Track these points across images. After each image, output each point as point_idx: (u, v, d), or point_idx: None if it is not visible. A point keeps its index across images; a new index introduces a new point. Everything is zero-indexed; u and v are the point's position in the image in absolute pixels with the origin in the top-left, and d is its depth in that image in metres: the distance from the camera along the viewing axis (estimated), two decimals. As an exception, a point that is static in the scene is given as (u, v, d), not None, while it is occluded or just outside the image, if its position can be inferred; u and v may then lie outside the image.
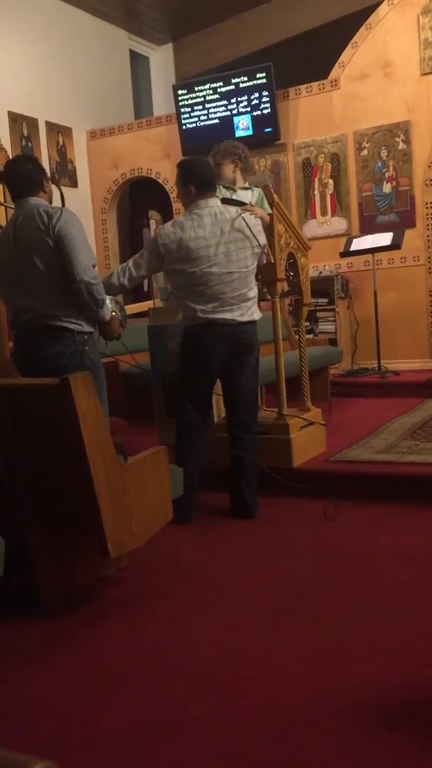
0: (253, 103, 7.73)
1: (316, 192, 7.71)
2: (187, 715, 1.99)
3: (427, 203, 7.22)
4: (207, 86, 7.96)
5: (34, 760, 0.88)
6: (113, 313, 3.34)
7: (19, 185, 3.25)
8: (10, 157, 7.19)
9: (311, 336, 7.12)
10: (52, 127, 8.17)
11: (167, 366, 4.25)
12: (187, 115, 8.06)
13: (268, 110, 7.68)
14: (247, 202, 3.81)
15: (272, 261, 3.88)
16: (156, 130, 8.49)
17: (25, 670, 2.32)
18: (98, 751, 1.87)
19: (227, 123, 7.88)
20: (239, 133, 7.81)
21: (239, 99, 7.79)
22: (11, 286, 3.22)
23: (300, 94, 7.72)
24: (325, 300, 7.38)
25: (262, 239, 3.61)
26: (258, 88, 7.68)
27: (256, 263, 3.61)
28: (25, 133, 7.80)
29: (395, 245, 6.74)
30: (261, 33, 9.13)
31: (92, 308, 3.16)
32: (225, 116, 7.90)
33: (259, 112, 7.74)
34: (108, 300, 3.30)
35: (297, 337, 4.61)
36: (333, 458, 4.21)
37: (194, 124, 8.04)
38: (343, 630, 2.42)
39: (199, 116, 8.01)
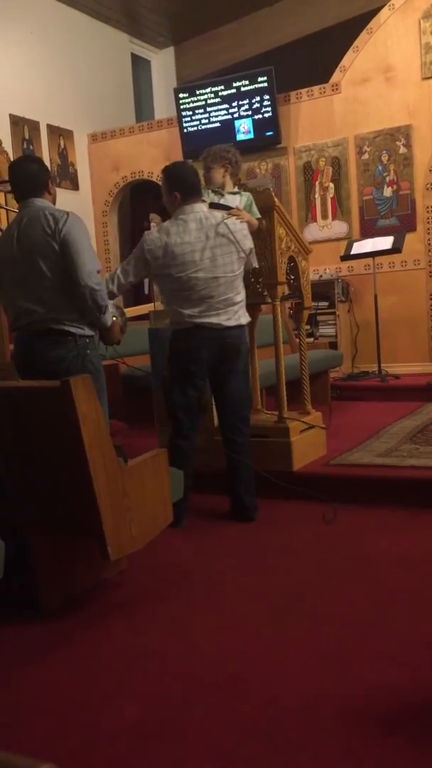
0: (255, 106, 7.75)
1: (316, 195, 7.72)
2: (187, 716, 2.00)
3: (427, 207, 7.23)
4: (208, 90, 7.97)
5: (35, 763, 0.87)
6: (114, 318, 3.34)
7: (25, 186, 3.22)
8: (11, 159, 7.19)
9: (312, 339, 7.14)
10: (53, 129, 8.19)
11: (167, 369, 4.25)
12: (189, 119, 8.08)
13: (270, 114, 7.69)
14: (235, 207, 3.81)
15: (257, 267, 3.85)
16: (157, 134, 8.50)
17: (25, 671, 2.32)
18: (98, 753, 1.87)
19: (228, 126, 7.89)
20: (240, 137, 7.83)
21: (240, 102, 7.81)
22: (13, 287, 3.19)
23: (301, 97, 7.74)
24: (326, 303, 7.39)
25: (248, 244, 3.61)
26: (259, 92, 7.70)
27: (242, 268, 3.61)
28: (27, 136, 7.81)
29: (396, 249, 6.75)
30: (262, 37, 9.15)
31: (95, 314, 3.16)
32: (226, 120, 7.91)
33: (260, 116, 7.75)
34: (109, 305, 3.30)
35: (297, 340, 4.61)
36: (333, 462, 4.21)
37: (195, 128, 8.06)
38: (343, 632, 2.42)
39: (200, 120, 8.03)
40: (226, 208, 3.75)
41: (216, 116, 7.96)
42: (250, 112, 7.79)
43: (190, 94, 8.07)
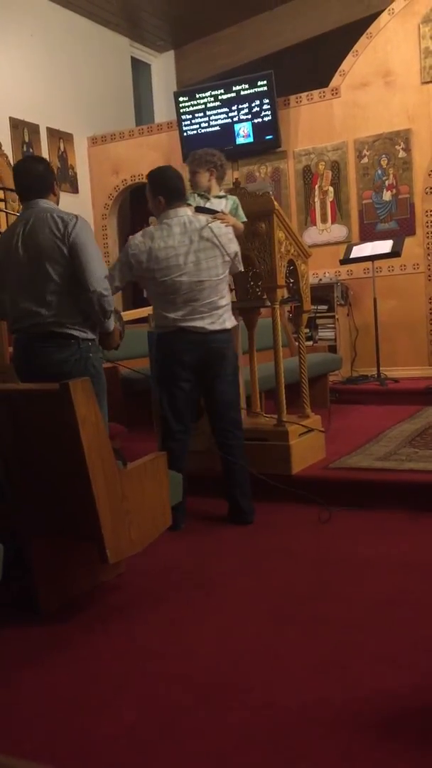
0: (254, 110, 7.76)
1: (316, 199, 7.74)
2: (186, 720, 1.99)
3: (427, 211, 7.24)
4: (208, 93, 7.99)
5: (34, 766, 0.87)
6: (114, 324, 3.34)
7: (30, 186, 3.18)
8: (12, 162, 7.20)
9: (311, 343, 7.15)
10: (53, 133, 8.20)
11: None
12: (188, 122, 8.09)
13: (269, 118, 7.71)
14: (220, 211, 3.81)
15: (243, 270, 3.83)
16: (157, 137, 8.52)
17: (24, 674, 2.32)
18: (97, 757, 1.86)
19: (228, 130, 7.91)
20: (240, 141, 7.85)
21: (240, 106, 7.82)
22: (14, 288, 3.16)
23: (301, 101, 7.75)
24: (325, 307, 7.39)
25: (233, 248, 3.60)
26: (259, 96, 7.71)
27: (227, 272, 3.61)
28: (27, 139, 7.82)
29: (395, 253, 6.76)
30: (262, 41, 9.17)
31: (100, 318, 3.15)
32: (226, 123, 7.93)
33: (259, 120, 7.77)
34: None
35: (297, 343, 4.62)
36: (332, 465, 4.21)
37: (195, 131, 8.07)
38: (342, 636, 2.41)
39: (200, 123, 8.04)
40: (211, 212, 3.76)
41: (216, 120, 7.97)
42: (249, 116, 7.81)
43: (189, 97, 8.09)
